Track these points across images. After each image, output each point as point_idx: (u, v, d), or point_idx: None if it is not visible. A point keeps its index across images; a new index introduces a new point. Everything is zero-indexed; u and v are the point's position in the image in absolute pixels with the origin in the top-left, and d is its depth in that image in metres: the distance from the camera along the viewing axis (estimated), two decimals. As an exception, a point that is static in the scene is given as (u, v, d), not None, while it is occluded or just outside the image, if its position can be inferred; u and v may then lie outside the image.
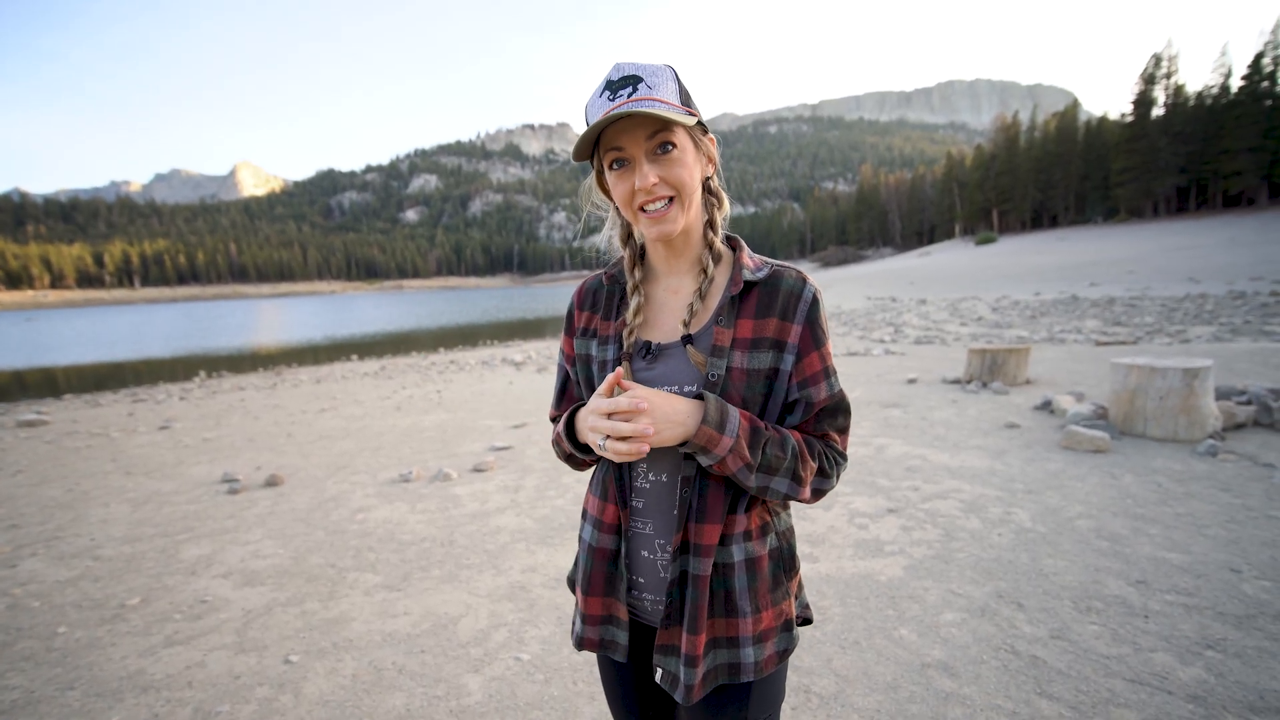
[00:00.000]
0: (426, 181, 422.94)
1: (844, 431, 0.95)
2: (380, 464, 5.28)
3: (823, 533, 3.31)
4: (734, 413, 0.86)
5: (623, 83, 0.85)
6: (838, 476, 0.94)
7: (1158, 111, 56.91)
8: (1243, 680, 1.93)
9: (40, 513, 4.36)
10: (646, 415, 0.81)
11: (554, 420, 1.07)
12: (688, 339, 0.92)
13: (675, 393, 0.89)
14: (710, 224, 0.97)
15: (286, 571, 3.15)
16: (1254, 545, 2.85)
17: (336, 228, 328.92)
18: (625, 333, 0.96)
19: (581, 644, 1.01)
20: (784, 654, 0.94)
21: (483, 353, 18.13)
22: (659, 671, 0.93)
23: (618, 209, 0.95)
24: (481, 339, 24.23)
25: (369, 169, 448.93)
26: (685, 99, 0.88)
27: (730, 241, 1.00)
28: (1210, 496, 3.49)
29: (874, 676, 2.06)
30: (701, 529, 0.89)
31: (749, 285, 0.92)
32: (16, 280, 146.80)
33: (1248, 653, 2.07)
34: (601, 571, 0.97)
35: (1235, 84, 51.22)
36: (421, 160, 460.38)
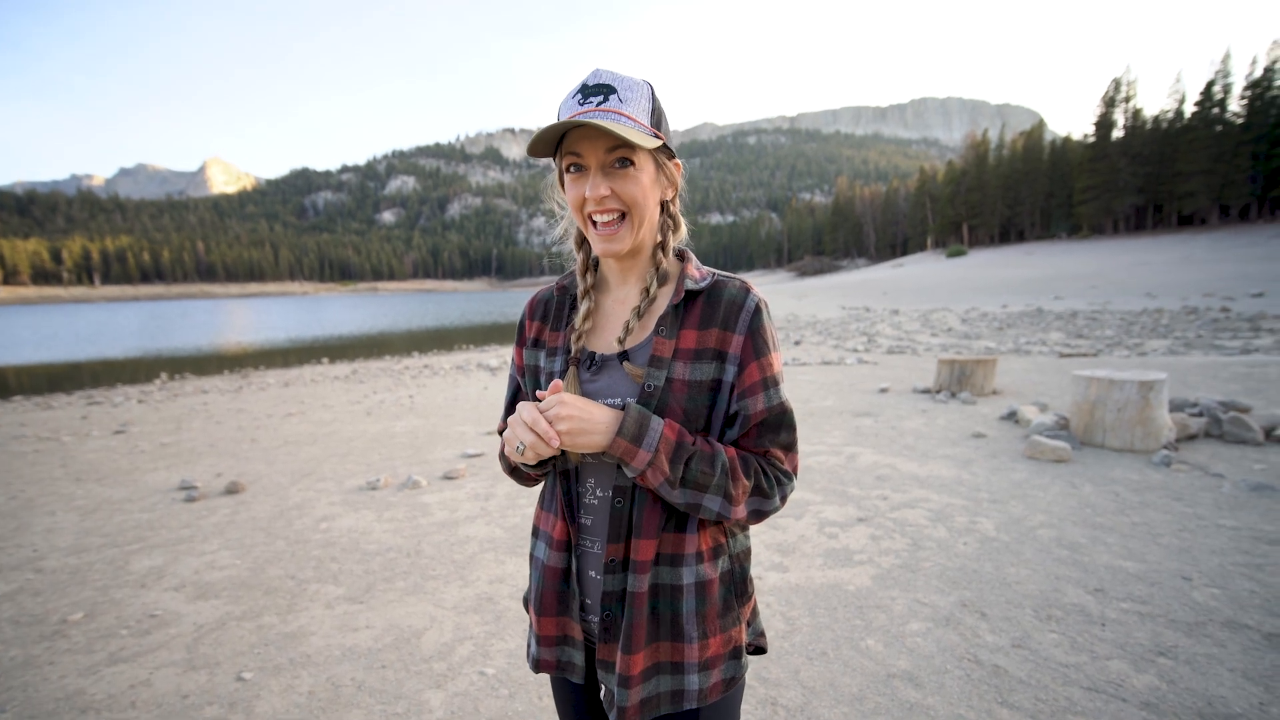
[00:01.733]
0: (404, 183, 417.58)
1: (788, 448, 0.92)
2: (347, 471, 5.16)
3: (793, 542, 3.32)
4: (656, 426, 0.84)
5: (597, 90, 0.85)
6: (781, 497, 0.90)
7: (1118, 133, 59.29)
8: (1192, 687, 1.98)
9: (-20, 521, 4.15)
10: (564, 420, 0.81)
11: (501, 433, 1.04)
12: (624, 355, 0.92)
13: (612, 405, 0.88)
14: (662, 245, 0.96)
15: (243, 584, 3.04)
16: (1204, 553, 2.95)
17: (310, 228, 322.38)
18: (574, 338, 0.95)
19: (538, 666, 0.97)
20: (730, 682, 0.92)
21: (458, 357, 17.90)
22: (603, 689, 0.92)
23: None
24: (456, 343, 23.94)
25: (345, 169, 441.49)
26: (657, 120, 0.89)
27: (679, 254, 1.00)
28: (1164, 506, 3.60)
29: (840, 688, 2.06)
30: (638, 544, 0.87)
31: (691, 295, 0.92)
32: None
33: (1197, 659, 2.13)
34: (554, 590, 0.94)
35: (1189, 110, 53.68)
36: (399, 162, 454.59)
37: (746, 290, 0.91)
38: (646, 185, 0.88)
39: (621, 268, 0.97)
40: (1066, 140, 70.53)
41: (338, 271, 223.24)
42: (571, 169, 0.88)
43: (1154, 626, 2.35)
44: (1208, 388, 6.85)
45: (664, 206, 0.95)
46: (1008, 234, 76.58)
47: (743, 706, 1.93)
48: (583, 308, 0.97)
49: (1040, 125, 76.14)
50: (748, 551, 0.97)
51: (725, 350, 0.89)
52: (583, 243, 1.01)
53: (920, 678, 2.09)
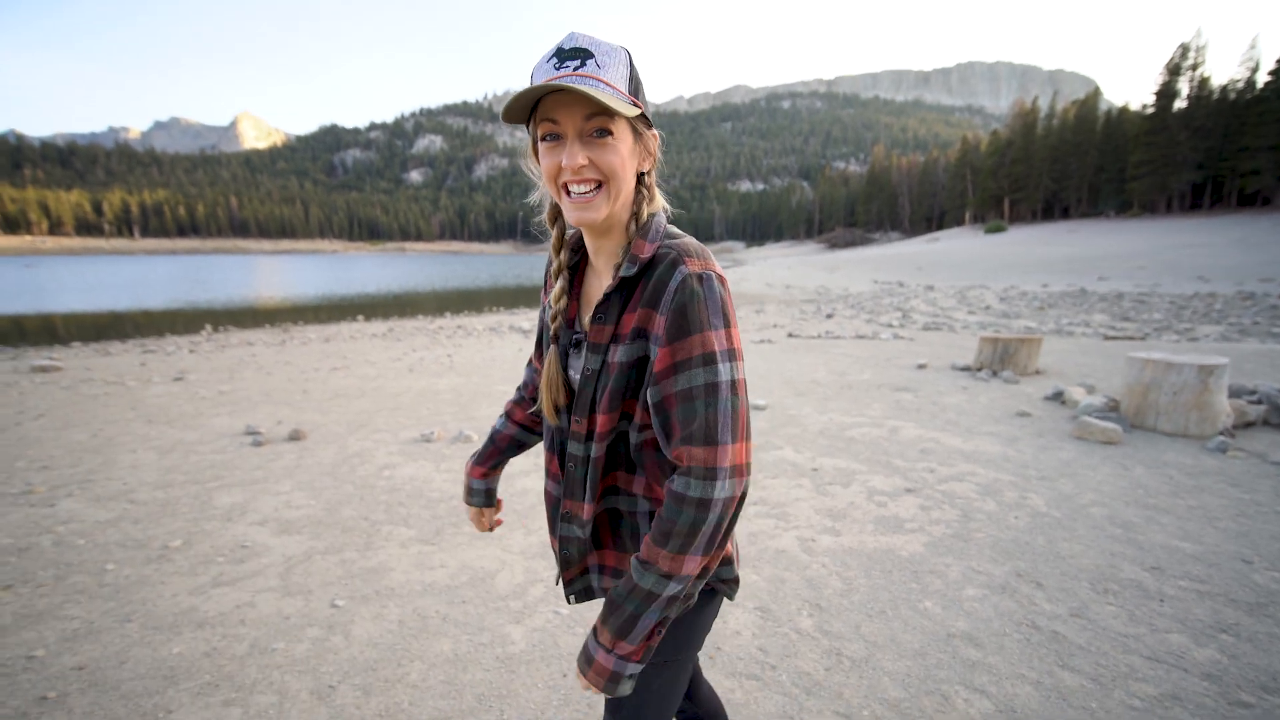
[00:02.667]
0: (431, 142, 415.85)
1: (709, 441, 0.80)
2: (400, 424, 5.36)
3: (843, 508, 3.39)
4: (597, 633, 0.88)
5: (573, 54, 0.81)
6: (714, 514, 0.80)
7: (1180, 104, 55.86)
8: (1255, 663, 2.03)
9: (69, 455, 4.44)
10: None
11: (530, 365, 1.20)
12: (571, 340, 0.98)
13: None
14: (636, 217, 0.91)
15: (321, 522, 3.24)
16: (1264, 539, 2.94)
17: (339, 186, 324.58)
18: (550, 317, 0.98)
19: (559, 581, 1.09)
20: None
21: (489, 319, 18.13)
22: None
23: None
24: (486, 304, 24.20)
25: (373, 126, 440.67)
26: (635, 88, 0.85)
27: (642, 228, 0.92)
28: (1221, 491, 3.57)
29: (902, 643, 2.15)
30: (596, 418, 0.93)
31: (628, 280, 0.89)
32: (14, 225, 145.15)
33: (1259, 638, 2.16)
34: (554, 516, 1.05)
35: (1261, 79, 50.19)
36: (427, 120, 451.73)
37: (674, 264, 0.84)
38: (625, 155, 0.85)
39: (594, 239, 0.94)
40: (1123, 111, 66.75)
41: (366, 230, 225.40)
42: (547, 137, 0.84)
43: (1213, 604, 2.38)
44: (1265, 375, 6.64)
45: (640, 178, 0.92)
46: (1051, 210, 73.56)
47: (809, 656, 2.04)
48: (557, 285, 0.97)
49: (1095, 93, 72.10)
50: (730, 500, 0.87)
51: (648, 330, 0.86)
52: (556, 217, 0.99)
53: (980, 638, 2.17)
